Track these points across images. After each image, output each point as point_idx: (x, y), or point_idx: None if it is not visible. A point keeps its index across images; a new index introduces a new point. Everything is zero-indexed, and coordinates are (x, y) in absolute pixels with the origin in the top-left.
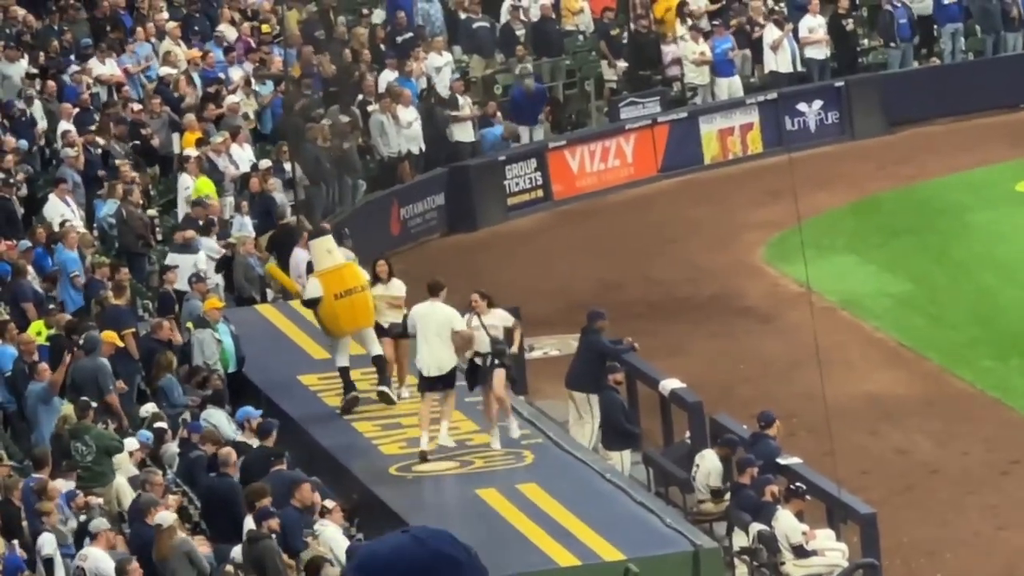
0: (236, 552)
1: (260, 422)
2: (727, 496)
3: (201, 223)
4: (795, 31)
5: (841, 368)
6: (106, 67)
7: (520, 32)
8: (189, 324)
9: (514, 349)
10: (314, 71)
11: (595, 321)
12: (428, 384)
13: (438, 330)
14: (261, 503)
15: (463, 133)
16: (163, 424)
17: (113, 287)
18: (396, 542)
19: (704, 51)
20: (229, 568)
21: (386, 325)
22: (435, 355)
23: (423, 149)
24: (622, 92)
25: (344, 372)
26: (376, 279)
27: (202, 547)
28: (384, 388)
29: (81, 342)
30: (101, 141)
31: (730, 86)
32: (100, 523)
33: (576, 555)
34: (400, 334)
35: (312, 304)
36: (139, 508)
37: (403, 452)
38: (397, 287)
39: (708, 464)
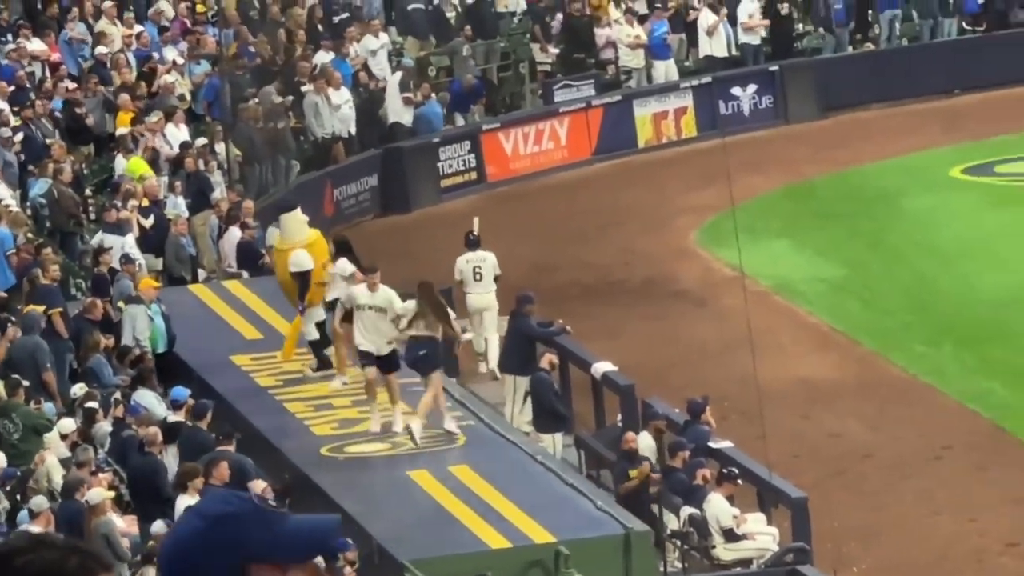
0: (157, 527)
1: (193, 403)
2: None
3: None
4: (730, 15)
5: (774, 352)
6: (37, 45)
7: (451, 15)
8: (120, 303)
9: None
10: (249, 51)
11: (524, 305)
12: (365, 358)
13: (375, 312)
14: (193, 483)
15: (402, 116)
16: (94, 404)
17: (41, 266)
18: (181, 522)
19: (639, 34)
20: (154, 543)
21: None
22: (371, 336)
23: (351, 133)
24: (556, 75)
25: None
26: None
27: (132, 526)
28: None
29: (17, 320)
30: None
31: (666, 70)
32: (41, 502)
33: (507, 537)
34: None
35: (307, 276)
36: (68, 486)
37: (334, 433)
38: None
39: (641, 444)
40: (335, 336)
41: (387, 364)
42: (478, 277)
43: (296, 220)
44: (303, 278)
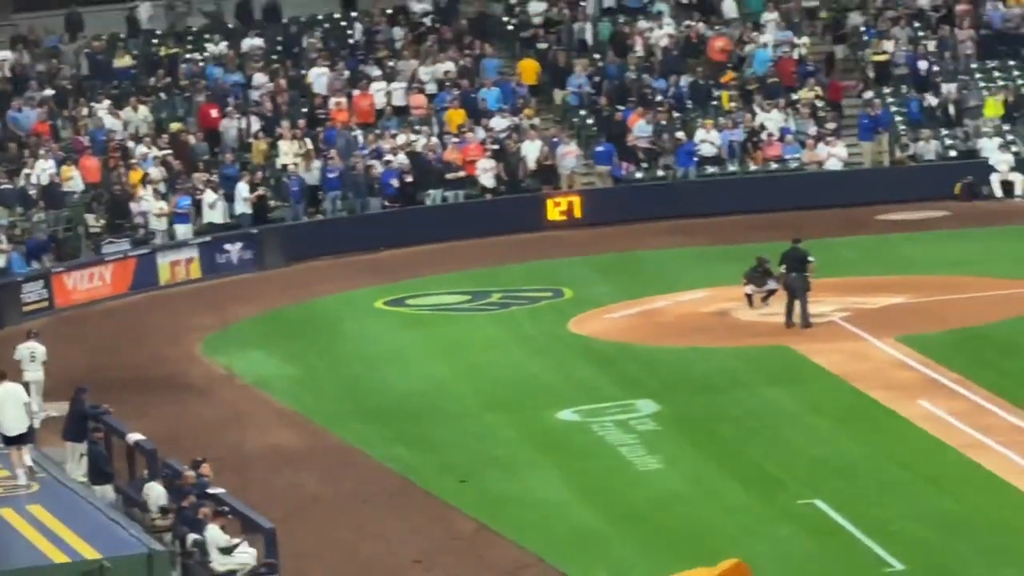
0: None
1: None
2: (171, 514)
3: None
4: (227, 194)
5: (254, 427)
6: None
7: (33, 193)
8: None
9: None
10: None
11: (80, 393)
12: (9, 441)
13: (14, 403)
14: None
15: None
16: None
17: None
18: None
19: (163, 207)
20: None
21: None
22: (12, 421)
23: None
24: (104, 235)
25: None
26: None
27: None
28: None
29: None
30: None
31: (184, 231)
32: None
33: (67, 555)
34: None
35: None
36: None
37: None
38: None
39: (155, 492)
40: None
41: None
42: (33, 359)
43: None
44: None
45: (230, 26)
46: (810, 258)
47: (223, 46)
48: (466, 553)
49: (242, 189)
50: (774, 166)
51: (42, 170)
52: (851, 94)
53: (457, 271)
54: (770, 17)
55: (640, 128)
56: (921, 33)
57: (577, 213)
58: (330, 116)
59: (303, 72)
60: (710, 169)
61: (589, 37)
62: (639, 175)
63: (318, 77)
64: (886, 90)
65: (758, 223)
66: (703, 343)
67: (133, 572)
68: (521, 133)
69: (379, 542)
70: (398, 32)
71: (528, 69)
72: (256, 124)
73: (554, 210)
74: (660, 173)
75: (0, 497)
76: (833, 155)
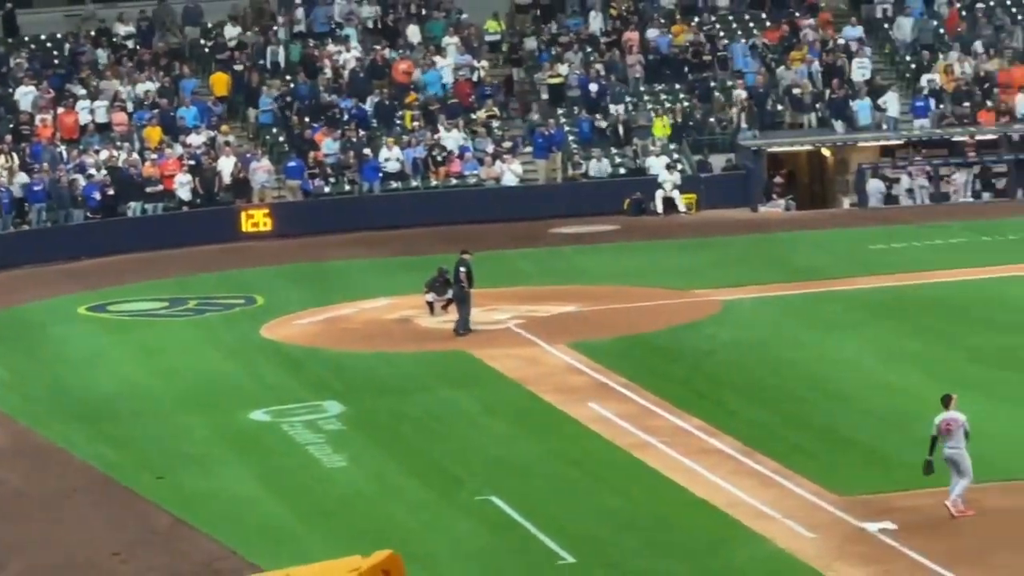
0: None
1: None
2: None
3: None
4: None
5: None
6: None
7: None
8: None
9: None
10: None
11: None
12: None
13: None
14: None
15: None
16: None
17: None
18: None
19: None
20: None
21: None
22: None
23: None
24: None
25: None
26: None
27: None
28: None
29: None
30: None
31: None
32: None
33: None
34: None
35: None
36: None
37: None
38: None
39: None
40: None
41: None
42: None
43: None
44: None
45: None
46: (461, 268)
47: None
48: (164, 546)
49: None
50: (454, 182)
51: None
52: (527, 118)
53: (156, 279)
54: (451, 41)
55: (328, 145)
56: (592, 57)
57: (269, 225)
58: (36, 132)
59: (10, 90)
60: (394, 184)
61: (281, 59)
62: (327, 189)
63: (24, 95)
64: (560, 111)
65: (439, 235)
66: (386, 348)
67: None
68: (217, 149)
69: (80, 536)
70: (101, 53)
71: (219, 82)
72: None
73: (247, 222)
74: (347, 188)
75: None
76: (509, 171)
